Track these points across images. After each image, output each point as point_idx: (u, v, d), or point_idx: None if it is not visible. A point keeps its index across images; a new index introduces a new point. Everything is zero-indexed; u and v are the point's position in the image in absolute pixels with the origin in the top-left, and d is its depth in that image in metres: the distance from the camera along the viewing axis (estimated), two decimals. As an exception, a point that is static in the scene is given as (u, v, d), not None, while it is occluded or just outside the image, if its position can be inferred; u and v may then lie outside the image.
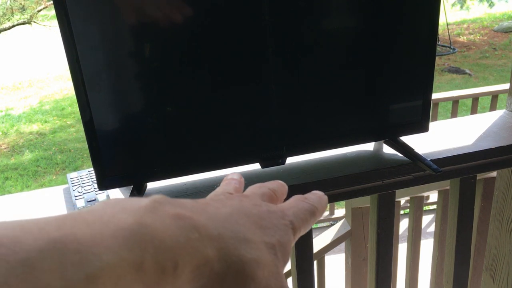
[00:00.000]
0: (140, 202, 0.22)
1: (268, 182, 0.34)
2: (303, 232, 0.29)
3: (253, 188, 0.32)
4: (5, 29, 7.82)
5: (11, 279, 0.15)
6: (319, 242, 1.72)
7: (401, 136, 0.74)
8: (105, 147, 0.59)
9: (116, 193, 0.70)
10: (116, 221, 0.19)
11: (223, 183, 0.35)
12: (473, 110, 3.12)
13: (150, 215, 0.21)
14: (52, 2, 0.52)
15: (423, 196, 1.85)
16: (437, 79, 6.55)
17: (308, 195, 0.32)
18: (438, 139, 0.80)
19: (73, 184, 0.71)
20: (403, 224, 2.83)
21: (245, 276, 0.23)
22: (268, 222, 0.26)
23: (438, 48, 6.69)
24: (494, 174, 1.18)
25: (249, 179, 0.71)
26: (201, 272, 0.21)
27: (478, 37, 8.66)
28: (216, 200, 0.27)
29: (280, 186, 0.34)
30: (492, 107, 3.14)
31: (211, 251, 0.22)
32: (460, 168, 0.79)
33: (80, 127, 5.36)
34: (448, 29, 6.65)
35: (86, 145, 0.63)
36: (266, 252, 0.24)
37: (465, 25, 9.56)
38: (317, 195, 0.32)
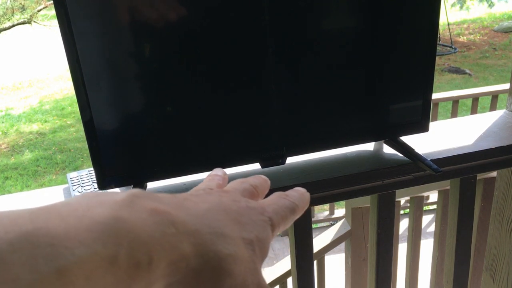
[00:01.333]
0: (117, 195, 0.22)
1: (250, 177, 0.33)
2: (282, 228, 0.29)
3: (234, 184, 0.32)
4: (5, 29, 7.82)
5: None
6: (319, 242, 1.72)
7: (401, 136, 0.74)
8: (105, 147, 0.59)
9: (116, 193, 0.70)
10: (91, 214, 0.19)
11: (206, 179, 0.35)
12: (473, 110, 3.12)
13: (126, 209, 0.21)
14: (52, 2, 0.52)
15: (423, 196, 1.85)
16: (437, 79, 6.54)
17: (289, 192, 0.32)
18: (438, 139, 0.80)
19: (73, 184, 0.71)
20: (403, 224, 2.83)
21: (222, 272, 0.23)
22: (246, 218, 0.26)
23: (438, 48, 6.69)
24: (494, 174, 1.18)
25: (249, 179, 0.71)
26: (176, 267, 0.21)
27: (478, 37, 8.65)
28: (195, 196, 0.27)
29: (262, 181, 0.34)
30: (492, 107, 3.13)
31: (188, 246, 0.22)
32: (460, 168, 0.79)
33: (80, 127, 5.36)
34: (449, 29, 6.65)
35: (86, 145, 0.64)
36: (243, 248, 0.24)
37: (465, 25, 9.56)
38: (299, 192, 0.32)
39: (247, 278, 0.24)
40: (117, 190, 0.70)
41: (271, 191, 0.33)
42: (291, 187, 0.72)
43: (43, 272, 0.16)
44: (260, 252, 0.26)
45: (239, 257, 0.24)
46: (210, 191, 0.29)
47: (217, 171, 0.36)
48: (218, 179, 0.34)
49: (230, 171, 0.73)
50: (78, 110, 0.56)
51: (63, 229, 0.18)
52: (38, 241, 0.17)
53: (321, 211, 3.48)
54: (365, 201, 1.62)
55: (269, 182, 0.34)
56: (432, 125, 0.79)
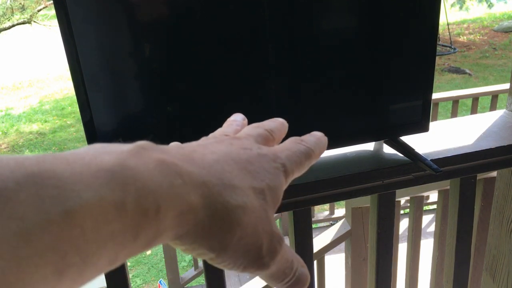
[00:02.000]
0: (124, 146, 0.21)
1: (266, 121, 0.32)
2: (296, 175, 0.28)
3: (248, 129, 0.31)
4: (5, 29, 7.82)
5: None
6: (319, 242, 1.72)
7: (401, 136, 0.74)
8: (105, 147, 0.59)
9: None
10: (98, 161, 0.19)
11: (225, 124, 0.34)
12: (473, 110, 3.12)
13: (133, 158, 0.20)
14: (52, 1, 0.52)
15: (423, 196, 1.85)
16: (437, 79, 6.55)
17: (305, 136, 0.31)
18: (438, 139, 0.80)
19: (73, 184, 0.71)
20: (403, 224, 2.83)
21: (231, 223, 0.22)
22: (257, 166, 0.26)
23: (438, 48, 6.69)
24: (494, 174, 1.18)
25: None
26: (185, 218, 0.21)
27: (478, 37, 8.66)
28: (204, 146, 0.26)
29: (278, 125, 0.32)
30: (492, 107, 3.14)
31: (195, 198, 0.21)
32: (460, 168, 0.79)
33: (80, 126, 5.36)
34: (448, 29, 6.66)
35: (86, 145, 0.63)
36: (253, 197, 0.24)
37: (465, 25, 9.56)
38: (315, 137, 0.31)
39: (258, 227, 0.24)
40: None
41: None
42: (291, 187, 0.72)
43: (50, 213, 0.16)
44: (272, 201, 0.25)
45: (248, 207, 0.23)
46: (221, 139, 0.28)
47: (236, 116, 0.35)
48: (236, 124, 0.33)
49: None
50: (78, 110, 0.56)
51: (70, 173, 0.18)
52: (44, 182, 0.17)
53: (321, 211, 3.48)
54: (365, 201, 1.62)
55: (286, 125, 0.33)
56: (432, 125, 0.79)
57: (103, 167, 0.19)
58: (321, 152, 0.31)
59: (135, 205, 0.19)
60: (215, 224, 0.22)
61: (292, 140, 0.30)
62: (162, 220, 0.20)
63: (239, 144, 0.27)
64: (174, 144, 0.27)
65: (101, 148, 0.21)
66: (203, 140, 0.29)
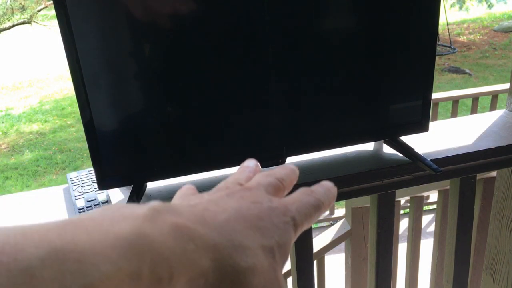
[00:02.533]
0: (139, 210, 0.22)
1: (277, 169, 0.33)
2: (306, 227, 0.29)
3: (259, 178, 0.31)
4: (5, 29, 7.82)
5: (11, 287, 0.16)
6: (319, 242, 1.72)
7: (401, 136, 0.74)
8: (105, 147, 0.59)
9: (116, 193, 0.70)
10: (115, 230, 0.20)
11: (238, 171, 0.34)
12: (473, 110, 3.12)
13: (148, 224, 0.21)
14: (52, 2, 0.52)
15: (423, 196, 1.85)
16: (437, 79, 6.54)
17: (315, 187, 0.31)
18: (438, 139, 0.80)
19: (73, 184, 0.71)
20: (403, 224, 2.83)
21: (240, 285, 0.23)
22: (267, 222, 0.26)
23: (438, 48, 6.68)
24: (494, 174, 1.18)
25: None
26: (196, 283, 0.22)
27: (478, 37, 8.65)
28: (215, 202, 0.27)
29: (289, 172, 0.33)
30: (492, 107, 3.13)
31: (206, 262, 0.22)
32: (460, 168, 0.79)
33: (80, 126, 5.36)
34: (448, 29, 6.65)
35: (86, 145, 0.64)
36: (263, 257, 0.24)
37: (465, 25, 9.56)
38: (325, 187, 0.31)
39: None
40: (117, 190, 0.70)
41: None
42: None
43: None
44: (280, 258, 0.26)
45: (258, 268, 0.24)
46: (233, 191, 0.29)
47: (249, 162, 0.36)
48: (249, 170, 0.34)
49: (230, 171, 0.73)
50: (78, 110, 0.56)
51: (90, 245, 0.18)
52: (66, 257, 0.17)
53: (321, 211, 3.47)
54: (365, 201, 1.62)
55: (297, 172, 0.34)
56: (432, 125, 0.79)
57: (120, 235, 0.20)
58: (331, 203, 0.31)
59: (150, 274, 0.19)
60: (225, 287, 0.22)
61: (302, 191, 0.31)
62: (175, 286, 0.21)
63: (249, 197, 0.28)
64: (185, 202, 0.28)
65: (117, 212, 0.21)
66: (215, 192, 0.29)
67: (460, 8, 9.26)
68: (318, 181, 0.74)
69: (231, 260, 0.23)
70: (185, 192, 0.32)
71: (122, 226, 0.20)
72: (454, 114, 3.08)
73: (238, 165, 0.71)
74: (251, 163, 0.35)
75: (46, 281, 0.16)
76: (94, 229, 0.19)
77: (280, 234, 0.26)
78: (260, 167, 0.36)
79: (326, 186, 0.32)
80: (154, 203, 0.23)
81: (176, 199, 0.31)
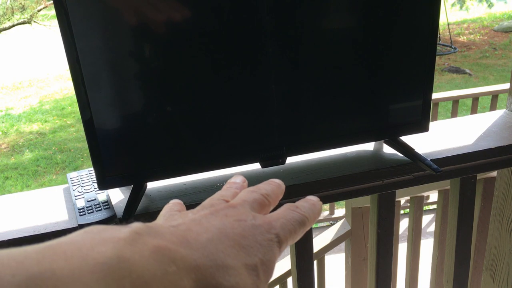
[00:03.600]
0: (120, 233, 0.22)
1: (262, 185, 0.33)
2: (290, 243, 0.29)
3: (244, 194, 0.32)
4: (5, 29, 7.82)
5: None
6: (319, 241, 1.72)
7: (401, 136, 0.74)
8: (105, 147, 0.59)
9: (116, 193, 0.70)
10: (94, 254, 0.20)
11: (224, 187, 0.34)
12: (473, 110, 3.12)
13: (129, 247, 0.21)
14: (52, 1, 0.52)
15: (423, 196, 1.85)
16: (437, 79, 6.54)
17: (300, 203, 0.31)
18: (438, 139, 0.80)
19: (73, 184, 0.71)
20: (403, 224, 2.83)
21: None
22: (251, 240, 0.26)
23: (438, 47, 6.68)
24: (494, 174, 1.18)
25: (249, 179, 0.70)
26: None
27: (478, 37, 8.65)
28: (198, 222, 0.27)
29: (274, 188, 0.33)
30: (492, 107, 3.13)
31: (188, 282, 0.22)
32: (460, 168, 0.79)
33: (80, 126, 5.36)
34: (449, 29, 6.65)
35: (86, 145, 0.64)
36: (246, 275, 0.25)
37: (465, 25, 9.56)
38: (310, 203, 0.31)
39: None
40: (117, 190, 0.70)
41: None
42: (291, 187, 0.72)
43: None
44: (264, 276, 0.26)
45: (241, 286, 0.24)
46: (216, 210, 0.29)
47: (236, 178, 0.36)
48: (235, 187, 0.34)
49: (230, 171, 0.73)
50: (78, 110, 0.56)
51: (68, 270, 0.18)
52: (43, 284, 0.17)
53: (321, 211, 3.48)
54: (365, 201, 1.62)
55: (283, 186, 0.34)
56: (432, 125, 0.79)
57: (99, 260, 0.19)
58: (316, 219, 0.31)
59: None
60: None
61: (286, 207, 0.31)
62: None
63: (233, 215, 0.28)
64: (168, 223, 0.28)
65: (98, 235, 0.21)
66: (199, 210, 0.29)
67: (461, 7, 9.26)
68: (318, 181, 0.75)
69: (214, 280, 0.23)
70: (170, 207, 0.32)
71: (102, 250, 0.20)
72: (454, 114, 3.08)
73: (238, 165, 0.72)
74: (238, 179, 0.35)
75: None
76: (73, 254, 0.19)
77: (264, 252, 0.26)
78: (247, 183, 0.35)
79: (311, 201, 0.32)
80: (136, 225, 0.23)
81: (160, 217, 0.31)
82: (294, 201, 0.32)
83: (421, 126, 0.73)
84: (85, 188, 0.70)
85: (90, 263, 0.19)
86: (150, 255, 0.21)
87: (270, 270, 0.26)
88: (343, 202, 3.09)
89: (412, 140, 0.75)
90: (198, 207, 0.30)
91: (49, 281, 0.17)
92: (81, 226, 0.60)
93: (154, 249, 0.22)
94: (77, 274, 0.18)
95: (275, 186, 0.34)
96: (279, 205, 0.32)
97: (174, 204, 0.33)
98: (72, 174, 0.74)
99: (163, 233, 0.24)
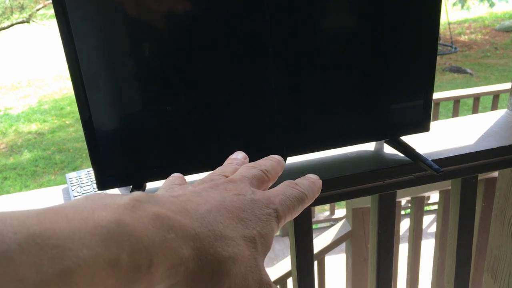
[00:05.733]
0: (121, 199, 0.22)
1: (262, 160, 0.33)
2: (289, 219, 0.29)
3: (244, 170, 0.32)
4: (4, 28, 7.82)
5: None
6: (319, 242, 1.72)
7: (402, 136, 0.73)
8: (104, 147, 0.59)
9: (116, 193, 0.69)
10: (95, 218, 0.20)
11: (225, 163, 0.35)
12: (475, 110, 3.12)
13: (129, 213, 0.21)
14: (51, 1, 0.52)
15: (424, 196, 1.85)
16: (438, 78, 6.54)
17: (299, 180, 0.32)
18: (439, 139, 0.80)
19: (72, 184, 0.71)
20: (404, 225, 2.83)
21: (220, 274, 0.23)
22: (249, 213, 0.27)
23: (439, 47, 6.68)
24: (495, 174, 1.18)
25: (249, 179, 0.70)
26: (176, 271, 0.22)
27: (480, 37, 8.65)
28: (198, 194, 0.27)
29: (274, 164, 0.34)
30: (494, 107, 3.13)
31: (187, 250, 0.22)
32: (461, 168, 0.78)
33: (79, 126, 5.36)
34: (449, 28, 6.65)
35: (85, 145, 0.63)
36: (244, 247, 0.25)
37: (466, 24, 9.56)
38: (309, 180, 0.32)
39: (248, 276, 0.24)
40: (117, 190, 0.70)
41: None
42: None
43: (48, 273, 0.17)
44: (262, 248, 0.26)
45: (238, 257, 0.24)
46: (217, 183, 0.29)
47: (237, 154, 0.36)
48: (236, 163, 0.35)
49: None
50: (77, 109, 0.56)
51: (68, 231, 0.19)
52: (44, 242, 0.18)
53: (321, 212, 3.48)
54: (366, 202, 1.61)
55: (283, 163, 0.34)
56: (433, 124, 0.79)
57: (99, 223, 0.20)
58: (315, 196, 0.32)
59: (129, 261, 0.20)
60: (205, 275, 0.23)
61: (286, 183, 0.31)
62: (154, 274, 0.21)
63: (233, 189, 0.28)
64: (169, 193, 0.28)
65: (99, 201, 0.22)
66: (199, 184, 0.30)
67: (462, 7, 9.26)
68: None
69: (212, 249, 0.23)
70: (171, 181, 0.33)
71: (102, 215, 0.20)
72: (455, 114, 3.08)
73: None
74: (239, 155, 0.36)
75: (24, 265, 0.17)
76: (74, 217, 0.20)
77: (262, 225, 0.27)
78: (248, 159, 0.36)
79: (311, 179, 0.32)
80: (136, 193, 0.24)
81: (161, 190, 0.31)
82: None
83: (422, 126, 0.72)
84: (84, 188, 0.69)
85: (91, 225, 0.19)
86: (149, 221, 0.22)
87: (268, 243, 0.27)
88: (343, 203, 3.08)
89: (413, 140, 0.75)
90: (198, 181, 0.30)
91: (49, 240, 0.18)
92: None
93: (154, 216, 0.22)
94: (77, 235, 0.19)
95: (275, 162, 0.34)
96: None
97: (175, 177, 0.33)
98: (71, 175, 0.74)
99: (163, 202, 0.24)
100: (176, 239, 0.22)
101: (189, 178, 0.71)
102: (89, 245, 0.19)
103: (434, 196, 2.96)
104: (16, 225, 0.18)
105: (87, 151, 0.59)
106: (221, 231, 0.24)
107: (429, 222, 3.11)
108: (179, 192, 0.27)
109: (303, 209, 0.30)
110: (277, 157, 0.34)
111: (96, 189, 0.64)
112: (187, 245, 0.22)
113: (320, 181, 0.33)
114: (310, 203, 0.31)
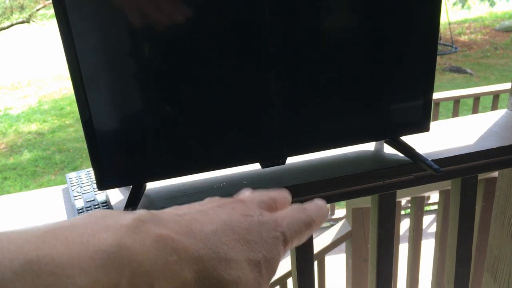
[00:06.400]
0: (124, 219, 0.22)
1: (271, 190, 0.33)
2: (296, 244, 0.29)
3: (253, 194, 0.32)
4: (4, 28, 7.82)
5: None
6: (319, 242, 1.72)
7: (402, 136, 0.73)
8: (104, 147, 0.59)
9: (115, 193, 0.69)
10: (95, 241, 0.20)
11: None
12: (475, 110, 3.12)
13: (131, 234, 0.21)
14: (51, 1, 0.52)
15: (424, 196, 1.85)
16: (438, 78, 6.54)
17: (307, 204, 0.31)
18: (439, 139, 0.80)
19: (72, 184, 0.71)
20: (404, 225, 2.83)
21: None
22: (256, 236, 0.26)
23: (439, 47, 6.68)
24: (495, 174, 1.18)
25: (249, 179, 0.70)
26: None
27: (480, 36, 8.64)
28: (205, 213, 0.27)
29: (282, 195, 0.33)
30: (494, 107, 3.13)
31: (189, 273, 0.22)
32: (461, 168, 0.78)
33: (79, 126, 5.35)
34: (450, 28, 6.65)
35: (85, 145, 0.63)
36: (248, 271, 0.24)
37: (466, 24, 9.55)
38: (317, 206, 0.31)
39: None
40: (117, 190, 0.70)
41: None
42: (291, 187, 0.72)
43: None
44: (267, 273, 0.26)
45: (242, 281, 0.24)
46: (224, 204, 0.28)
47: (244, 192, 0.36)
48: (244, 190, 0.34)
49: (230, 171, 0.72)
50: (77, 110, 0.56)
51: (67, 256, 0.18)
52: (41, 270, 0.17)
53: (321, 211, 3.47)
54: (366, 202, 1.61)
55: (290, 198, 0.34)
56: (433, 124, 0.78)
57: (100, 247, 0.19)
58: (322, 222, 0.31)
59: (129, 286, 0.19)
60: None
61: (294, 207, 0.31)
62: None
63: (240, 209, 0.28)
64: (174, 212, 0.27)
65: (102, 220, 0.21)
66: (206, 203, 0.29)
67: (462, 6, 9.25)
68: (318, 181, 0.74)
69: (215, 273, 0.23)
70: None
71: (103, 237, 0.20)
72: (455, 114, 3.08)
73: (238, 165, 0.71)
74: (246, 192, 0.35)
75: None
76: (74, 240, 0.19)
77: (268, 249, 0.26)
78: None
79: (319, 204, 0.32)
80: (140, 212, 0.23)
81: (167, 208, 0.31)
82: (296, 202, 0.31)
83: (422, 126, 0.72)
84: (84, 188, 0.69)
85: (91, 250, 0.19)
86: (151, 243, 0.21)
87: (273, 268, 0.26)
88: (343, 203, 3.08)
89: (413, 140, 0.75)
90: (206, 200, 0.30)
91: (46, 267, 0.17)
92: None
93: (157, 237, 0.22)
94: (76, 260, 0.18)
95: (283, 194, 0.34)
96: None
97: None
98: (71, 175, 0.74)
99: (167, 222, 0.24)
100: (179, 261, 0.22)
101: (189, 178, 0.71)
102: (88, 270, 0.18)
103: (434, 196, 2.96)
104: (13, 251, 0.17)
105: (87, 151, 0.59)
106: (226, 253, 0.24)
107: (429, 222, 3.11)
108: (185, 211, 0.27)
109: (310, 235, 0.30)
110: (285, 190, 0.34)
111: (96, 189, 0.64)
112: (189, 267, 0.22)
113: (327, 207, 0.32)
114: (317, 229, 0.31)
